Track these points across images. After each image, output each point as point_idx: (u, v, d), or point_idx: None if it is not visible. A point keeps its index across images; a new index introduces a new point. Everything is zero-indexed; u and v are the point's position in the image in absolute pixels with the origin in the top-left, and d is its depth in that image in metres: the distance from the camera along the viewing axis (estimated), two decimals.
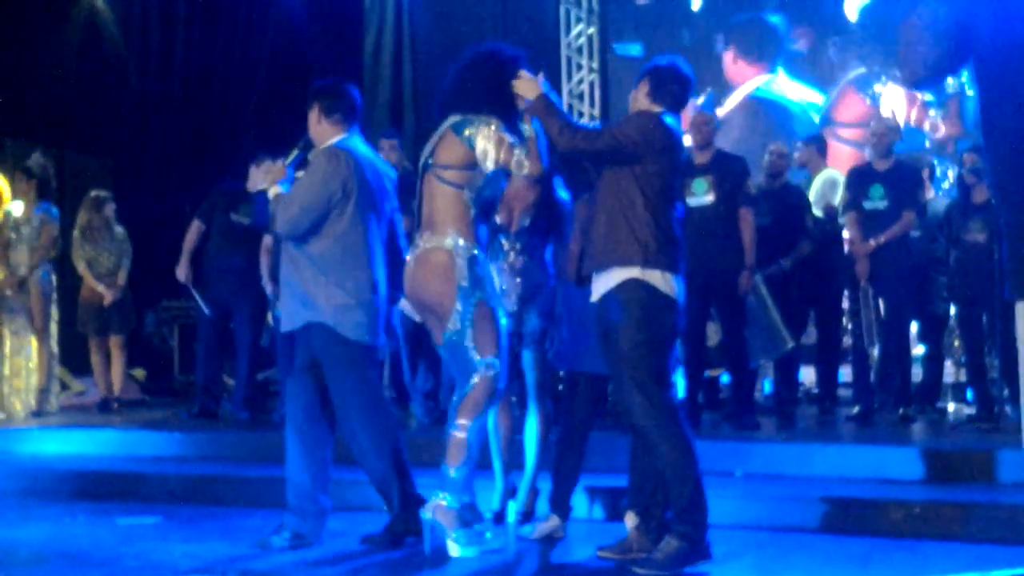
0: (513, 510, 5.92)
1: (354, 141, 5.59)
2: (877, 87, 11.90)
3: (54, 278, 9.45)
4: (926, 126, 11.78)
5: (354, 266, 5.41)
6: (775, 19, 12.53)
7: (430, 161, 5.20)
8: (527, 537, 5.63)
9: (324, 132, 5.58)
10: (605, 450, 6.21)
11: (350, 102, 5.61)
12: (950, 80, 11.40)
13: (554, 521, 5.69)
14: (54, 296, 9.45)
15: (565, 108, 12.51)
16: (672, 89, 5.12)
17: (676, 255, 5.00)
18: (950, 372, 9.04)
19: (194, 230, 9.01)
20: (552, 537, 5.63)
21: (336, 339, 5.39)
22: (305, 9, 13.53)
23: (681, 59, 5.27)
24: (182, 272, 8.96)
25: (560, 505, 5.72)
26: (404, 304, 5.45)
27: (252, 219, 8.58)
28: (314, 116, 5.59)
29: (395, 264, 5.64)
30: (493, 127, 5.08)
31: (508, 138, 5.08)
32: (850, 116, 10.81)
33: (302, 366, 5.57)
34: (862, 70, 12.05)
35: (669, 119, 5.06)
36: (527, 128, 5.14)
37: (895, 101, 11.83)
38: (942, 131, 11.66)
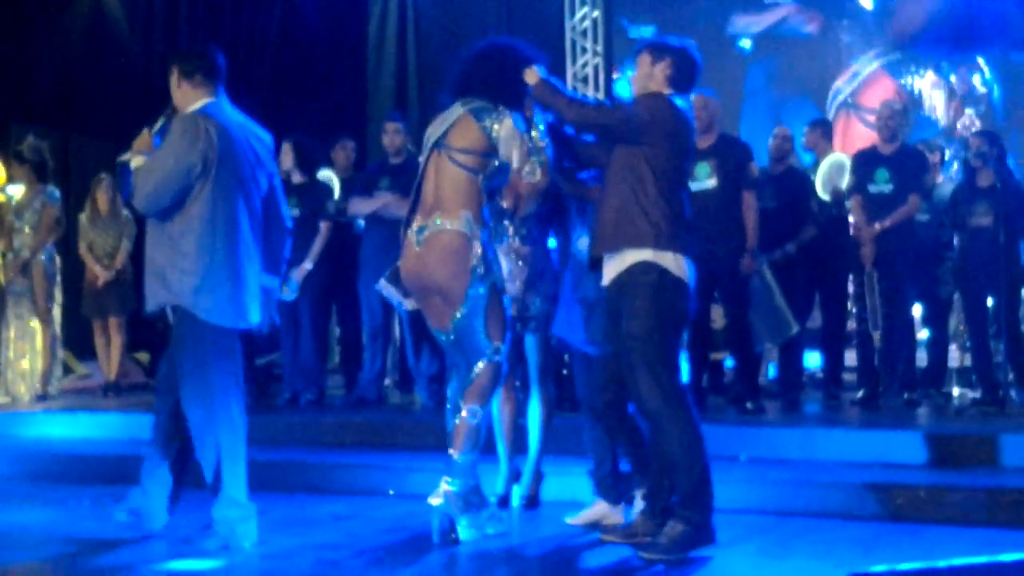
0: (517, 494, 5.93)
1: (220, 105, 5.26)
2: (918, 81, 11.83)
3: (58, 261, 9.45)
4: (964, 121, 11.75)
5: (214, 243, 5.02)
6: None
7: (443, 142, 5.17)
8: (569, 523, 5.56)
9: (185, 96, 5.23)
10: None
11: (211, 63, 5.28)
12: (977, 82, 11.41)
13: (601, 507, 5.58)
14: (58, 279, 9.43)
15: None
16: (689, 75, 5.12)
17: (687, 237, 4.99)
18: (955, 356, 9.02)
19: None
20: (601, 523, 5.46)
21: (190, 320, 5.04)
22: None
23: (692, 44, 5.28)
24: None
25: (604, 488, 5.60)
26: (384, 286, 5.36)
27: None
28: (173, 81, 5.25)
29: (279, 238, 5.36)
30: (512, 122, 5.07)
31: (526, 140, 5.07)
32: (878, 101, 10.74)
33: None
34: (896, 55, 11.97)
35: (680, 101, 5.05)
36: (535, 135, 5.14)
37: (934, 96, 11.79)
38: (978, 126, 11.64)
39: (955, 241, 8.15)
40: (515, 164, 5.10)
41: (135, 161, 5.21)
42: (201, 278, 5.00)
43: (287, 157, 8.59)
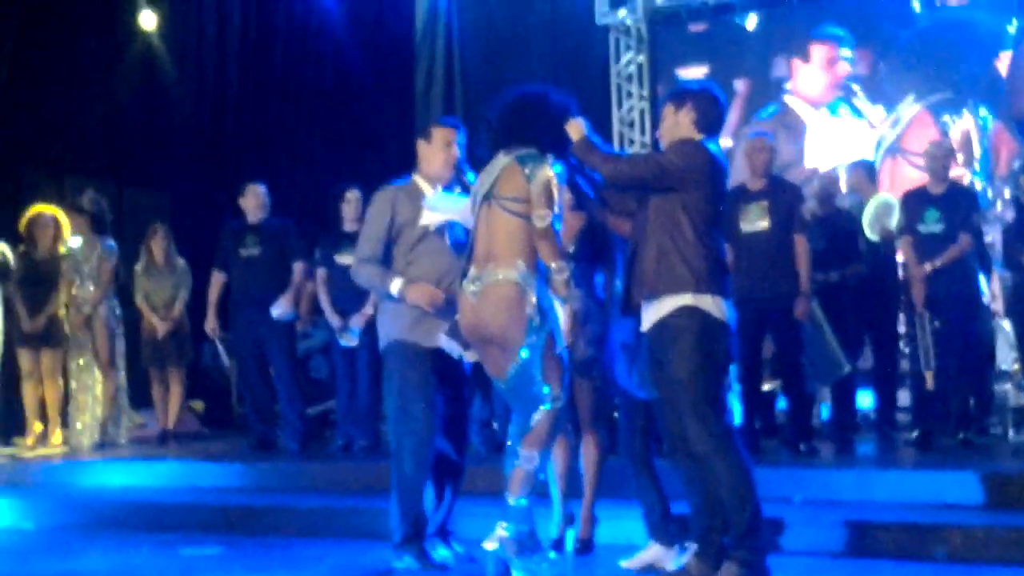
0: (571, 538, 5.94)
1: None
2: (957, 122, 11.76)
3: (119, 312, 9.58)
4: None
5: None
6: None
7: (492, 192, 5.21)
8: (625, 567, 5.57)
9: None
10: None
11: None
12: None
13: (655, 550, 5.57)
14: (120, 330, 9.56)
15: (616, 136, 12.62)
16: (715, 115, 5.16)
17: (725, 280, 5.02)
18: (1012, 394, 8.94)
19: (216, 282, 9.10)
20: (655, 566, 5.47)
21: None
22: (357, 42, 13.69)
23: (714, 84, 5.34)
24: (210, 325, 9.10)
25: (658, 532, 5.59)
26: (445, 340, 5.38)
27: (260, 248, 8.75)
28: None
29: None
30: (550, 172, 5.10)
31: (555, 190, 5.10)
32: (921, 143, 10.58)
33: None
34: (936, 96, 11.92)
35: (712, 145, 5.09)
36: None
37: (973, 136, 11.73)
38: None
39: (1004, 277, 8.11)
40: (533, 207, 5.11)
41: None
42: None
43: (350, 207, 8.70)
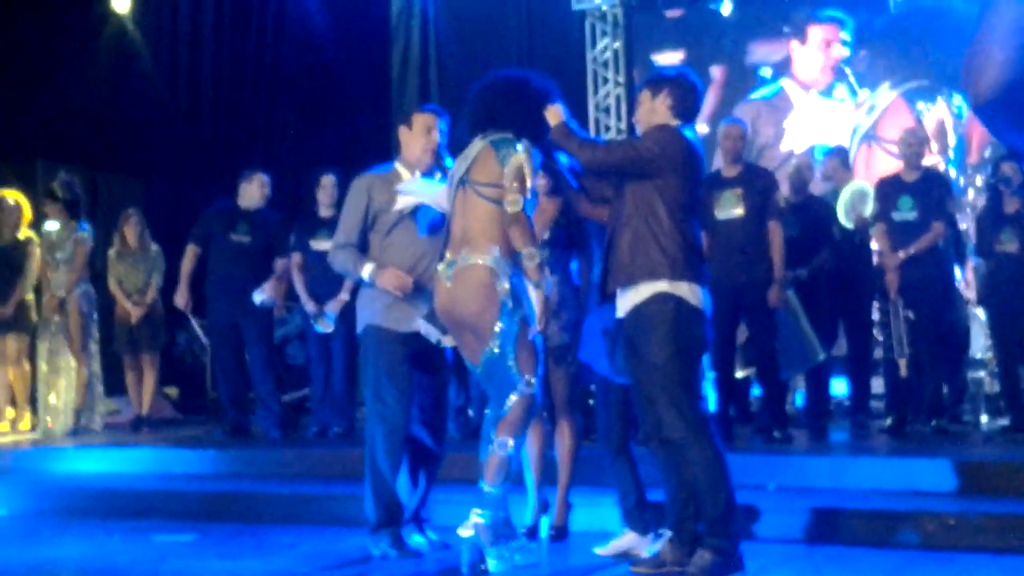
0: (546, 525, 5.94)
1: None
2: (932, 109, 11.74)
3: (93, 297, 9.52)
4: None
5: None
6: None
7: (467, 177, 5.21)
8: (601, 554, 5.59)
9: None
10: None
11: None
12: None
13: (629, 537, 5.62)
14: (95, 316, 9.51)
15: (591, 122, 12.60)
16: (691, 101, 5.16)
17: (701, 266, 5.03)
18: (984, 382, 9.01)
19: (190, 256, 8.97)
20: (630, 553, 5.50)
21: None
22: (333, 27, 13.64)
23: (691, 70, 5.34)
24: (181, 299, 9.00)
25: (632, 519, 5.64)
26: (422, 324, 5.38)
27: (251, 236, 8.73)
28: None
29: None
30: (524, 156, 5.08)
31: (527, 175, 5.08)
32: (896, 130, 10.53)
33: None
34: (913, 84, 11.90)
35: (688, 132, 5.09)
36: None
37: (946, 123, 11.72)
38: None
39: (977, 266, 8.15)
40: (505, 192, 5.10)
41: None
42: None
43: (325, 193, 8.68)
